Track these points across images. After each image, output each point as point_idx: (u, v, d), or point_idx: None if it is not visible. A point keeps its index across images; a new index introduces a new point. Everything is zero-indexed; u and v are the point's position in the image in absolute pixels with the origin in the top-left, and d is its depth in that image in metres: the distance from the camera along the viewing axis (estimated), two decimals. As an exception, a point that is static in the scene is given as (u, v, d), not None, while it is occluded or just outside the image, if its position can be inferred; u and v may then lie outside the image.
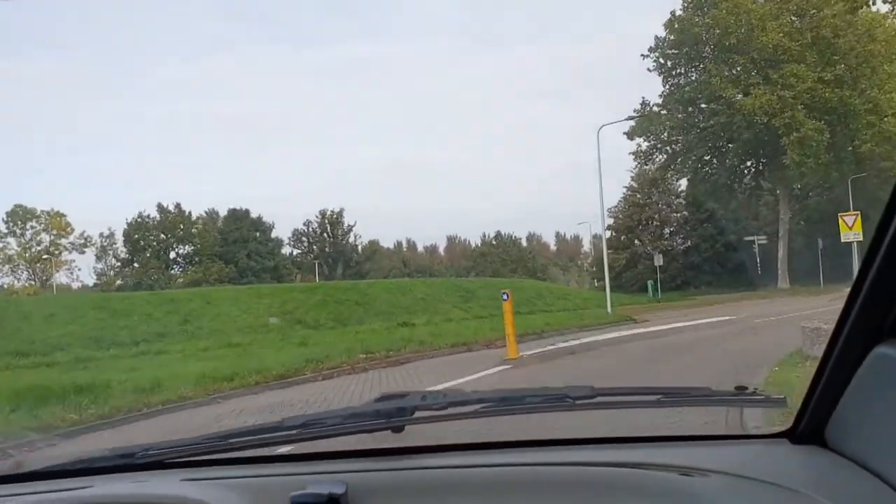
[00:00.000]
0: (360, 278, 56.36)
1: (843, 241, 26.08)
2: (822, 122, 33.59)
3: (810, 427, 1.29)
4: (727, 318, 20.43)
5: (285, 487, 1.22)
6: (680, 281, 53.73)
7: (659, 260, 44.53)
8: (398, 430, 1.41)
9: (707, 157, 41.10)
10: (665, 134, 40.96)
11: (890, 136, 37.86)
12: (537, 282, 52.81)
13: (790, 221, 39.16)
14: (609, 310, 25.18)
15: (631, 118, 28.35)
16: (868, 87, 34.71)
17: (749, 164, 40.83)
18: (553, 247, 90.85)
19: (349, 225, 73.04)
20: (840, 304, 1.14)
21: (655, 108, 40.84)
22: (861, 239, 25.26)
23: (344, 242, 74.18)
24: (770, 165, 38.31)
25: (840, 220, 26.21)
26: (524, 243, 78.62)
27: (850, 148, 38.67)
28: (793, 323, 13.07)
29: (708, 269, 53.97)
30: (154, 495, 1.32)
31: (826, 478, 1.18)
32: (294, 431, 1.42)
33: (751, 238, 46.16)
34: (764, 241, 45.03)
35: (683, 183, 55.48)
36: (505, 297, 13.93)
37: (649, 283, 46.65)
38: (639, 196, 60.08)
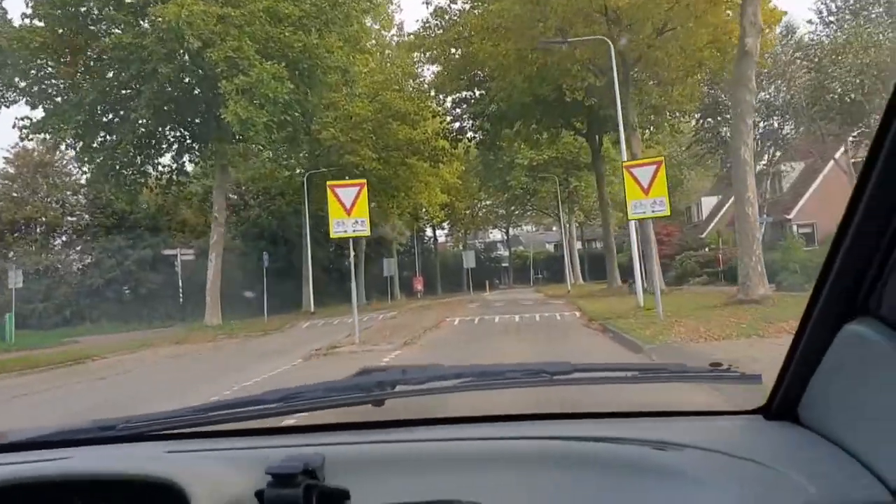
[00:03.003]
0: None
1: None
2: (284, 69, 21.59)
3: (784, 404, 1.30)
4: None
5: (263, 460, 1.20)
6: (69, 312, 36.87)
7: (17, 279, 26.89)
8: (378, 403, 1.40)
9: (109, 117, 25.39)
10: (35, 70, 23.87)
11: (356, 125, 28.77)
12: None
13: (227, 226, 26.09)
14: None
15: None
16: (339, 40, 24.30)
17: (170, 130, 26.33)
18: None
19: None
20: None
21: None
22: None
23: None
24: (203, 132, 24.74)
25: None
26: None
27: (307, 133, 28.16)
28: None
29: (114, 295, 38.37)
30: (133, 467, 1.28)
31: (798, 453, 1.18)
32: (275, 405, 1.40)
33: (172, 252, 32.82)
34: (191, 257, 32.24)
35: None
36: None
37: (8, 317, 29.19)
38: (16, 186, 41.49)
